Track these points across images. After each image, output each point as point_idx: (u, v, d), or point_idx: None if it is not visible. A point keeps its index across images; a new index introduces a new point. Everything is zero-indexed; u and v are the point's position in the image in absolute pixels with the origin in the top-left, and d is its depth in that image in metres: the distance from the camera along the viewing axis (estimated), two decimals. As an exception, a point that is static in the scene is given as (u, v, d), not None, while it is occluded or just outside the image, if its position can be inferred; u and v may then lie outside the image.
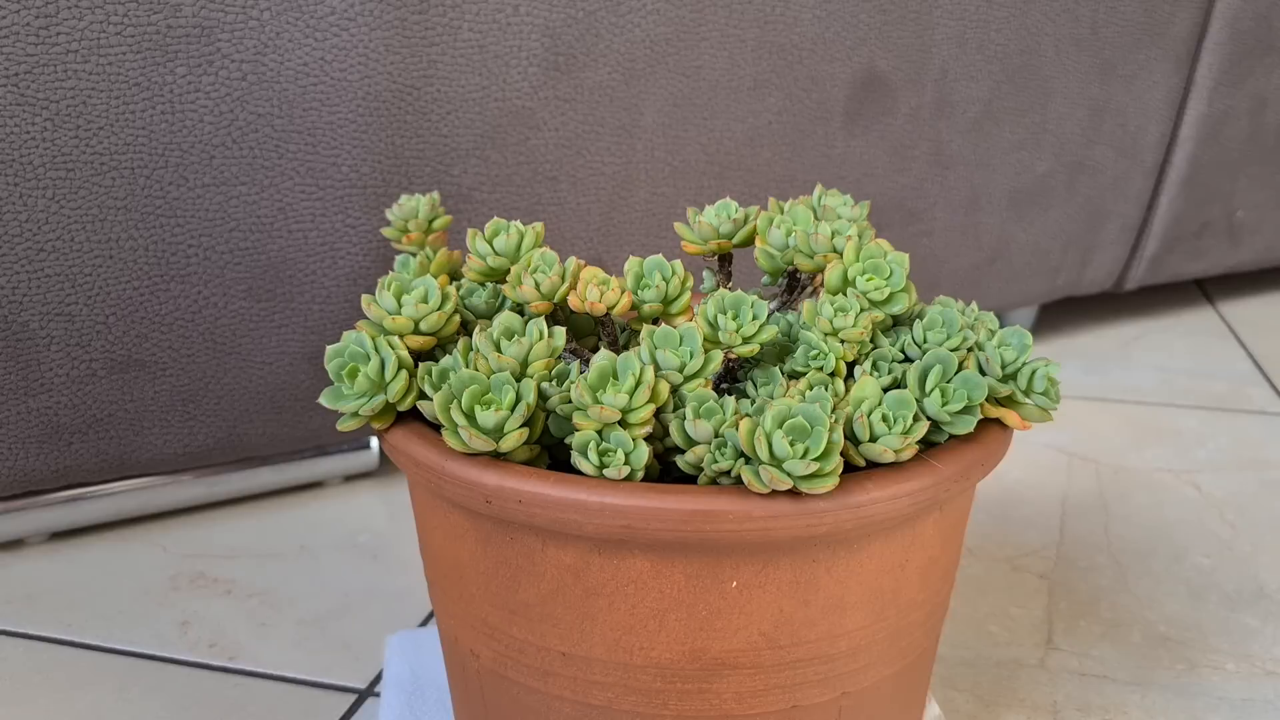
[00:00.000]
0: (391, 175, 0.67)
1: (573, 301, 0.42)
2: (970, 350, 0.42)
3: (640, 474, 0.38)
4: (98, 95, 0.59)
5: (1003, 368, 0.41)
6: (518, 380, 0.40)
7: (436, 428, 0.41)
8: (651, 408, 0.38)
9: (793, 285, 0.47)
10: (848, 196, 0.47)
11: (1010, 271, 1.00)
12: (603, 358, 0.39)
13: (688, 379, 0.40)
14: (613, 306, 0.42)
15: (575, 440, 0.38)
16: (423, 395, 0.41)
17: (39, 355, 0.64)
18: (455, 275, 0.50)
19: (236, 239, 0.65)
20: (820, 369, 0.41)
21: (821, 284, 0.44)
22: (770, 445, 0.36)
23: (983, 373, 0.41)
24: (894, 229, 0.90)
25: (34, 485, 0.68)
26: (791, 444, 0.36)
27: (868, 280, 0.42)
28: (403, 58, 0.65)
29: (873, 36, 0.81)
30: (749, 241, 0.47)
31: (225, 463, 0.75)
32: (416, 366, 0.42)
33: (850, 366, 0.42)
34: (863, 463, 0.39)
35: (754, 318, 0.41)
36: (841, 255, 0.43)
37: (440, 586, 0.45)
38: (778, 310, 0.47)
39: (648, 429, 0.38)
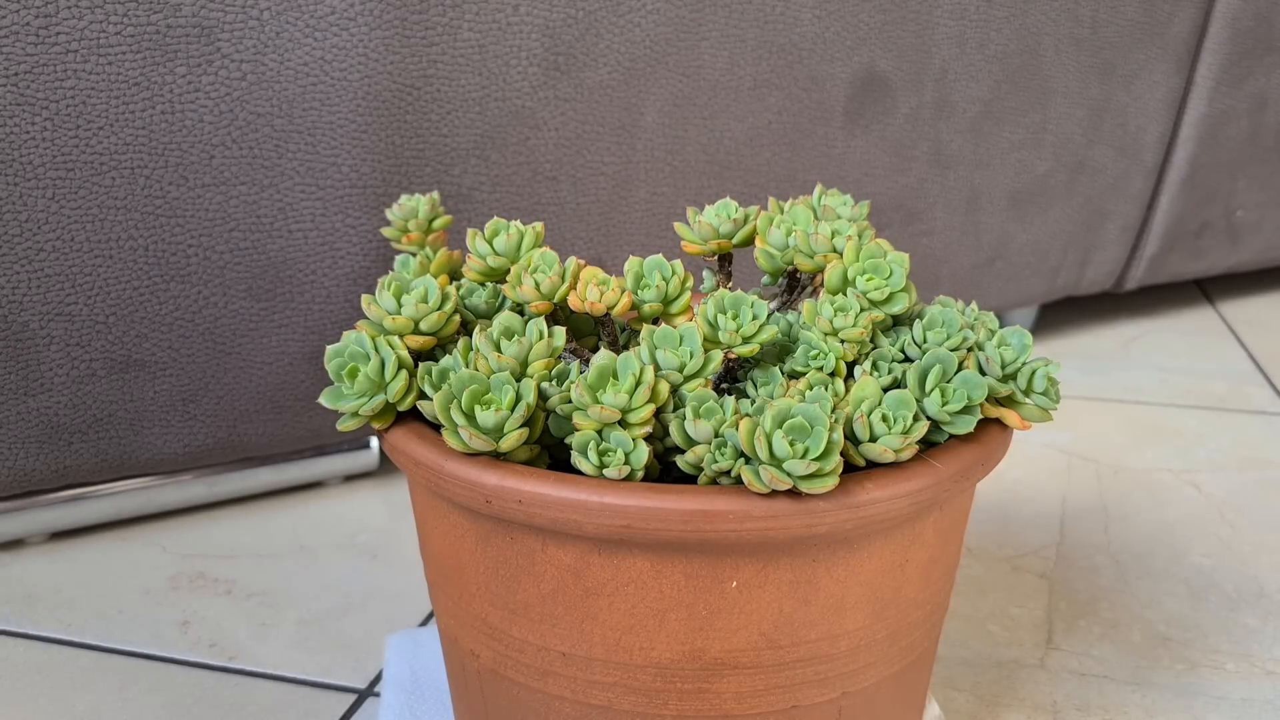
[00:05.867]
0: (391, 175, 0.67)
1: (573, 301, 0.42)
2: (970, 350, 0.42)
3: (640, 474, 0.38)
4: (98, 95, 0.59)
5: (1003, 368, 0.41)
6: (518, 380, 0.40)
7: (436, 428, 0.41)
8: (651, 408, 0.38)
9: (793, 285, 0.47)
10: (848, 196, 0.47)
11: (1010, 271, 1.00)
12: (603, 358, 0.39)
13: (688, 379, 0.40)
14: (613, 306, 0.42)
15: (575, 440, 0.38)
16: (423, 395, 0.41)
17: (39, 355, 0.64)
18: (455, 275, 0.50)
19: (236, 239, 0.65)
20: (820, 369, 0.41)
21: (821, 284, 0.44)
22: (770, 445, 0.36)
23: (983, 373, 0.41)
24: (894, 229, 0.90)
25: (34, 485, 0.68)
26: (791, 444, 0.36)
27: (868, 280, 0.42)
28: (403, 58, 0.65)
29: (873, 36, 0.81)
30: (749, 241, 0.47)
31: (225, 463, 0.75)
32: (416, 366, 0.42)
33: (850, 366, 0.42)
34: (863, 463, 0.39)
35: (754, 318, 0.41)
36: (841, 255, 0.43)
37: (440, 586, 0.45)
38: (778, 310, 0.47)
39: (648, 429, 0.38)
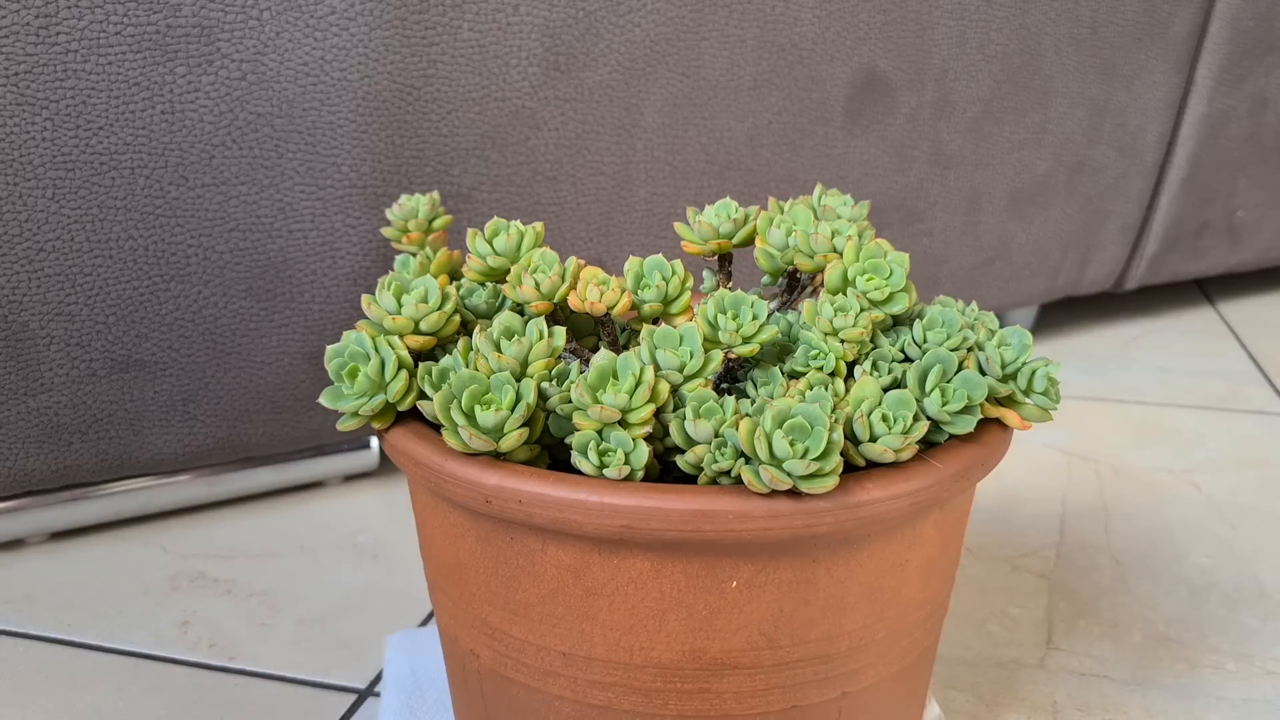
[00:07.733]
0: (391, 175, 0.67)
1: (573, 301, 0.42)
2: (970, 350, 0.42)
3: (640, 474, 0.38)
4: (98, 95, 0.59)
5: (1003, 368, 0.41)
6: (518, 380, 0.40)
7: (436, 428, 0.41)
8: (651, 408, 0.38)
9: (793, 285, 0.47)
10: (848, 196, 0.47)
11: (1010, 271, 1.00)
12: (603, 358, 0.39)
13: (688, 379, 0.40)
14: (613, 306, 0.42)
15: (575, 440, 0.38)
16: (423, 395, 0.41)
17: (39, 355, 0.64)
18: (455, 275, 0.50)
19: (236, 239, 0.65)
20: (820, 369, 0.41)
21: (821, 284, 0.44)
22: (770, 445, 0.36)
23: (983, 373, 0.41)
24: (894, 229, 0.90)
25: (34, 485, 0.68)
26: (791, 444, 0.36)
27: (868, 280, 0.42)
28: (403, 58, 0.65)
29: (873, 36, 0.81)
30: (749, 241, 0.47)
31: (225, 463, 0.75)
32: (416, 366, 0.42)
33: (850, 366, 0.42)
34: (863, 463, 0.39)
35: (754, 318, 0.41)
36: (841, 255, 0.43)
37: (440, 586, 0.45)
38: (778, 310, 0.47)
39: (648, 429, 0.38)
